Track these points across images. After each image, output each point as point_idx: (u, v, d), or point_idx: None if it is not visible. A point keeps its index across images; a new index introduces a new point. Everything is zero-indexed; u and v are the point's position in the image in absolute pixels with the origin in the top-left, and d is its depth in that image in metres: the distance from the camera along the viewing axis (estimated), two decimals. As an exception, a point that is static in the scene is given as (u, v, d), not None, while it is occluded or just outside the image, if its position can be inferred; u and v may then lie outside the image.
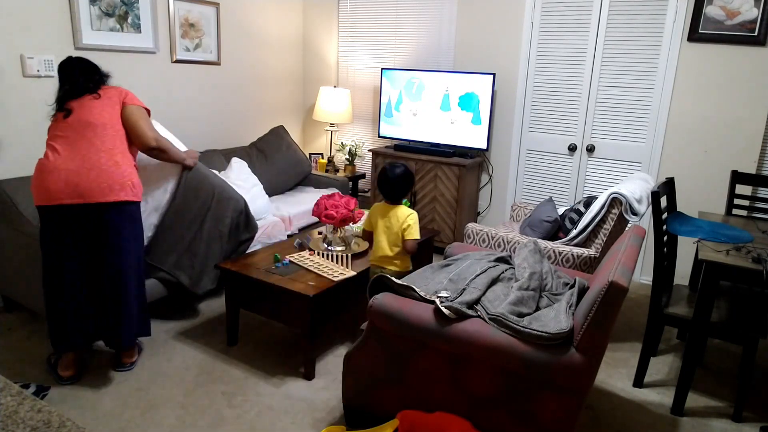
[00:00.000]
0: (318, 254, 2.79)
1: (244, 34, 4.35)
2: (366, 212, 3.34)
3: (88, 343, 2.42)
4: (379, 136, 4.48)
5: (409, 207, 2.55)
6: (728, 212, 3.04)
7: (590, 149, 3.84)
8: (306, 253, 2.78)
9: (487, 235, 2.98)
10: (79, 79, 2.35)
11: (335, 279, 2.50)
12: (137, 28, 3.51)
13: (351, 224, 2.86)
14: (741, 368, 2.28)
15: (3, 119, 2.93)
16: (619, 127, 3.71)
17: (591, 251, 2.70)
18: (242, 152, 4.10)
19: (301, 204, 3.87)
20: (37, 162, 2.24)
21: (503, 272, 2.19)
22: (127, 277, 2.33)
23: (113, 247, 2.29)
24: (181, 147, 2.84)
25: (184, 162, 2.74)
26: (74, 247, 2.25)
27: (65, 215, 2.21)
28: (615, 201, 2.70)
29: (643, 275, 3.84)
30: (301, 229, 3.78)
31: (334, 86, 4.85)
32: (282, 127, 4.36)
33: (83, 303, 2.30)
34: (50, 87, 3.10)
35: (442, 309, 1.84)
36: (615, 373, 2.67)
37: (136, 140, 2.40)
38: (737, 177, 3.04)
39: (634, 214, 2.65)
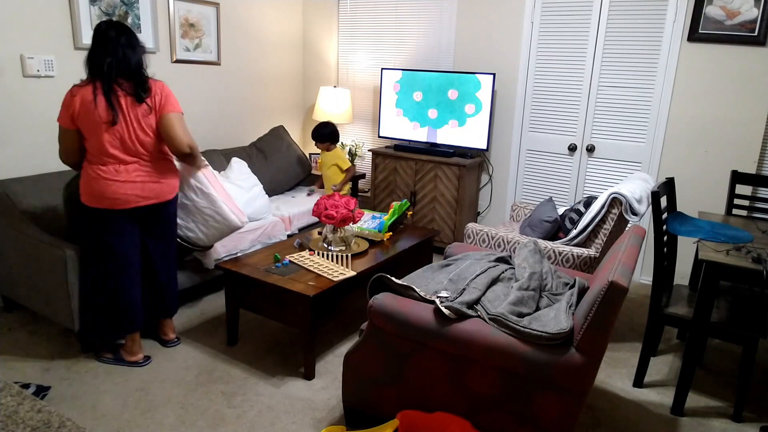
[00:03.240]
0: (318, 254, 2.79)
1: (244, 34, 4.35)
2: (366, 212, 3.35)
3: (146, 322, 2.65)
4: (379, 136, 4.48)
5: (409, 207, 2.57)
6: (728, 212, 3.04)
7: (590, 149, 3.84)
8: (306, 253, 2.78)
9: (487, 235, 2.98)
10: (125, 51, 2.29)
11: (335, 279, 2.50)
12: (137, 28, 3.51)
13: (351, 224, 2.86)
14: (741, 368, 2.28)
15: (3, 119, 2.93)
16: (619, 127, 3.71)
17: (591, 251, 2.70)
18: (242, 152, 4.10)
19: (301, 204, 3.87)
20: (95, 170, 2.30)
21: (503, 272, 2.19)
22: (175, 256, 2.69)
23: (170, 232, 2.59)
24: None
25: (199, 168, 2.72)
26: (136, 237, 2.47)
27: (134, 213, 2.42)
28: (615, 201, 2.70)
29: (643, 275, 3.84)
30: (301, 229, 3.78)
31: (334, 86, 4.85)
32: (282, 127, 4.36)
33: (140, 284, 2.54)
34: (50, 87, 3.11)
35: (442, 309, 1.84)
36: (615, 373, 2.67)
37: (168, 144, 2.41)
38: (737, 177, 3.04)
39: (634, 214, 2.65)
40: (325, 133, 4.04)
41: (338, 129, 4.12)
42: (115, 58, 2.27)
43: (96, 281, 2.45)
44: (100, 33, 2.28)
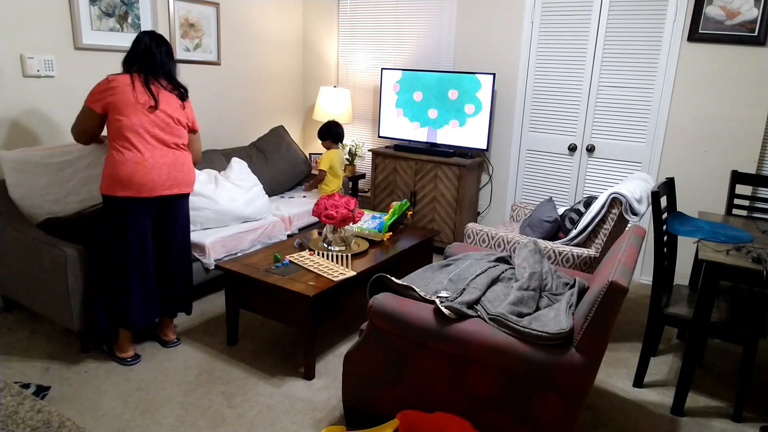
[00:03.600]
0: (318, 254, 2.79)
1: (244, 34, 4.35)
2: (366, 212, 3.35)
3: (154, 318, 2.63)
4: (379, 136, 4.48)
5: (409, 207, 2.57)
6: (728, 212, 3.04)
7: (590, 149, 3.84)
8: (306, 253, 2.78)
9: (487, 235, 2.98)
10: (163, 59, 2.48)
11: (335, 279, 2.50)
12: (137, 28, 3.51)
13: (351, 224, 2.86)
14: (741, 368, 2.28)
15: (3, 119, 2.93)
16: (619, 127, 3.71)
17: (591, 251, 2.70)
18: (242, 152, 4.09)
19: (301, 204, 3.87)
20: (122, 153, 2.35)
21: (503, 272, 2.19)
22: (190, 252, 2.74)
23: (184, 227, 2.65)
24: None
25: None
26: (149, 230, 2.50)
27: (153, 203, 2.47)
28: (615, 201, 2.70)
29: (643, 275, 3.84)
30: (301, 229, 3.78)
31: (334, 86, 4.85)
32: (282, 127, 4.36)
33: (154, 280, 2.57)
34: (50, 87, 3.11)
35: (442, 309, 1.84)
36: (615, 373, 2.67)
37: None
38: (737, 177, 3.04)
39: (634, 214, 2.65)
40: (322, 130, 4.08)
41: (340, 131, 4.10)
42: (152, 65, 2.44)
43: (101, 277, 2.46)
44: (141, 43, 2.46)
